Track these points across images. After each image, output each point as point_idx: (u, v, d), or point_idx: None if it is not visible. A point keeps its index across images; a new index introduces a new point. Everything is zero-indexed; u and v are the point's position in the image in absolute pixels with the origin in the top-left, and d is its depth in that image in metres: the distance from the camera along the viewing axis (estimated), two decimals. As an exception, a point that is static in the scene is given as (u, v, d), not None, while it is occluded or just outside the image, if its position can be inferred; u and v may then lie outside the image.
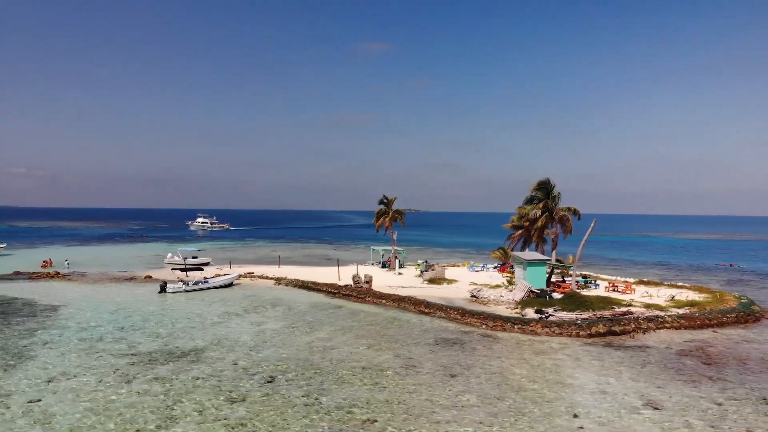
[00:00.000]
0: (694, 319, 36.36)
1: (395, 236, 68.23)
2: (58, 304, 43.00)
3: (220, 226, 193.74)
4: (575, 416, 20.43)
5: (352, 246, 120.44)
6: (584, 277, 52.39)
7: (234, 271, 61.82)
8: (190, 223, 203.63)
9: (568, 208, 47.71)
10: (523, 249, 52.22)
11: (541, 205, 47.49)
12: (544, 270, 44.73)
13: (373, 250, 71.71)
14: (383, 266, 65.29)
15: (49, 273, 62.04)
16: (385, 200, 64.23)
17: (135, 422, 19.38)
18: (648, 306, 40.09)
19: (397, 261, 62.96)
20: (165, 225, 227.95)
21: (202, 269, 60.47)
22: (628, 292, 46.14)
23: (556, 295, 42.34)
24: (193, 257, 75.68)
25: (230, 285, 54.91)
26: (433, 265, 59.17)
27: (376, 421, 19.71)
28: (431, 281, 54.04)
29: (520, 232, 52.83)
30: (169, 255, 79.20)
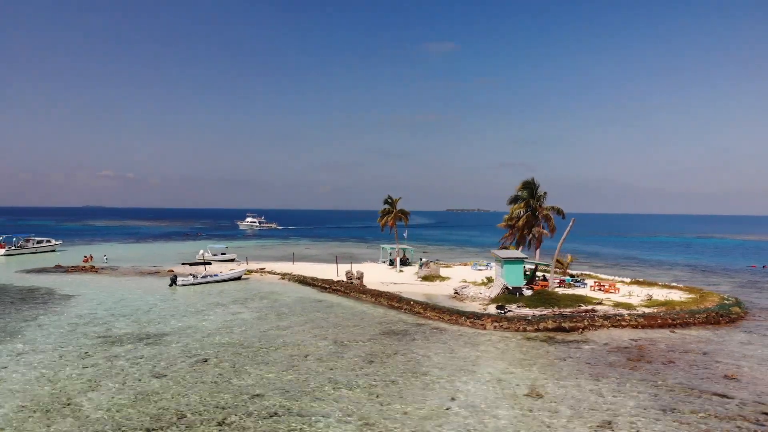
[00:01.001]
0: (655, 319, 36.25)
1: (405, 234, 70.06)
2: (74, 294, 47.93)
3: (268, 225, 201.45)
4: (452, 399, 21.91)
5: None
6: (572, 276, 52.32)
7: (250, 267, 65.68)
8: (239, 222, 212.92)
9: (552, 208, 48.09)
10: (517, 248, 52.76)
11: (524, 204, 48.06)
12: (521, 268, 45.37)
13: (383, 248, 73.78)
14: (391, 264, 67.22)
15: (84, 267, 68.23)
16: (389, 200, 66.19)
17: (67, 388, 22.65)
18: (618, 305, 40.12)
19: (398, 259, 64.77)
20: (228, 224, 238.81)
21: (211, 264, 64.61)
22: (612, 291, 46.00)
23: (528, 292, 42.94)
24: (222, 254, 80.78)
25: (238, 279, 58.63)
26: (428, 262, 60.56)
27: (263, 396, 22.01)
28: (425, 278, 55.58)
29: (512, 231, 53.41)
30: (201, 251, 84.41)
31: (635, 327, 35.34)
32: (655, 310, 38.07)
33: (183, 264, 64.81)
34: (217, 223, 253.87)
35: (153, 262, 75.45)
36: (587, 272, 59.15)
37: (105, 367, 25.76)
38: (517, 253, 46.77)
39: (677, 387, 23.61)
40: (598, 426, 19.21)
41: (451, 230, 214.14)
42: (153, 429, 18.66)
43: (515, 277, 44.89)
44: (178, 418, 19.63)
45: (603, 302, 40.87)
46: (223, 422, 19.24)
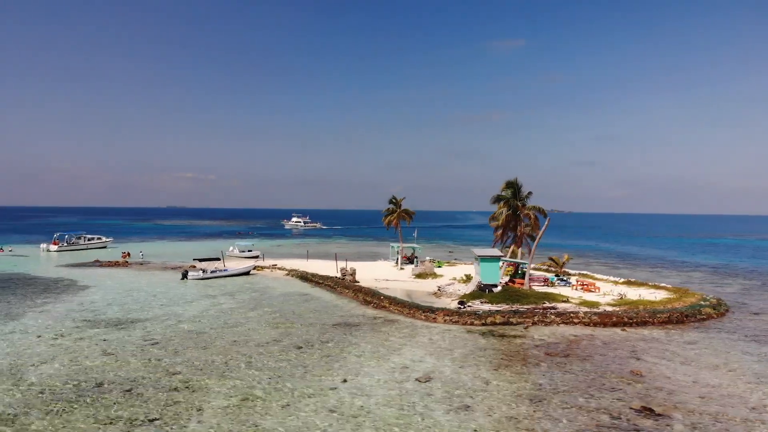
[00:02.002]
0: (609, 317, 36.50)
1: (415, 234, 71.80)
2: (91, 285, 53.07)
3: (313, 224, 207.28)
4: (344, 381, 23.95)
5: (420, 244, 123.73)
6: (558, 274, 52.48)
7: (262, 263, 69.55)
8: (285, 222, 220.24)
9: (534, 207, 48.64)
10: (494, 245, 53.60)
11: (504, 204, 48.89)
12: (496, 266, 46.24)
13: (392, 247, 75.63)
14: (397, 262, 69.12)
15: (118, 262, 74.39)
16: (393, 200, 68.14)
17: (25, 361, 26.35)
18: (583, 303, 40.47)
19: (399, 257, 66.62)
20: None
21: (220, 259, 68.82)
22: (592, 290, 46.07)
23: (497, 289, 43.86)
24: (249, 251, 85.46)
25: (247, 274, 62.43)
26: (424, 261, 62.08)
27: (179, 373, 24.88)
28: (418, 276, 57.22)
29: (502, 230, 54.20)
30: (231, 248, 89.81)
31: (587, 324, 35.76)
32: (616, 309, 38.15)
33: (194, 260, 69.38)
34: (278, 222, 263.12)
35: (184, 258, 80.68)
36: (584, 272, 58.75)
37: (66, 346, 29.44)
38: (494, 251, 47.63)
39: (570, 380, 24.49)
40: (457, 408, 20.70)
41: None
42: (70, 393, 21.77)
43: (491, 275, 45.82)
44: (96, 386, 22.75)
45: (569, 300, 41.26)
46: (128, 391, 22.15)
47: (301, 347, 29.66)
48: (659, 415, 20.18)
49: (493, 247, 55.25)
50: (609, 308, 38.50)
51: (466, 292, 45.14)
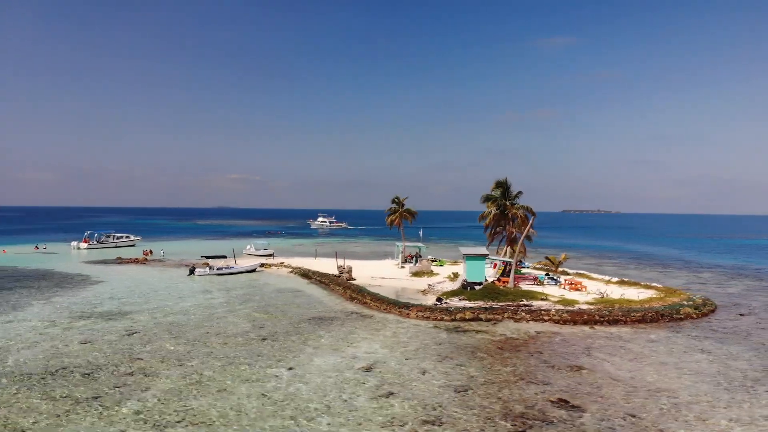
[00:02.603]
0: (581, 315, 36.81)
1: (421, 233, 72.77)
2: (103, 280, 56.27)
3: (338, 224, 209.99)
4: (289, 369, 25.44)
5: (440, 243, 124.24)
6: (547, 273, 52.66)
7: (275, 261, 71.89)
8: (311, 221, 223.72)
9: (523, 206, 49.08)
10: (519, 246, 54.12)
11: (493, 203, 49.49)
12: (482, 264, 46.93)
13: (396, 246, 76.68)
14: (403, 260, 70.23)
15: (138, 259, 78.05)
16: (396, 200, 69.35)
17: (11, 346, 28.84)
18: (561, 301, 40.80)
19: (400, 256, 67.77)
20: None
21: (226, 257, 71.31)
22: (579, 288, 46.20)
23: (479, 287, 44.55)
24: (264, 249, 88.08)
25: (252, 271, 64.74)
26: (421, 259, 63.01)
27: (141, 359, 26.86)
28: (415, 274, 58.25)
29: (497, 229, 54.73)
30: (248, 246, 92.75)
31: (557, 322, 36.19)
32: (591, 307, 38.40)
33: (201, 257, 72.16)
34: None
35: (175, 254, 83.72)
36: (582, 271, 58.56)
37: (53, 335, 31.92)
38: (480, 250, 48.28)
39: (506, 373, 25.31)
40: (381, 395, 21.88)
41: (544, 231, 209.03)
42: (36, 374, 23.96)
43: (476, 273, 46.54)
44: (61, 369, 24.91)
45: (547, 298, 41.61)
46: (87, 374, 24.21)
47: (266, 339, 31.27)
48: (573, 406, 20.85)
49: (488, 246, 55.86)
50: (585, 306, 38.71)
51: (451, 290, 45.91)
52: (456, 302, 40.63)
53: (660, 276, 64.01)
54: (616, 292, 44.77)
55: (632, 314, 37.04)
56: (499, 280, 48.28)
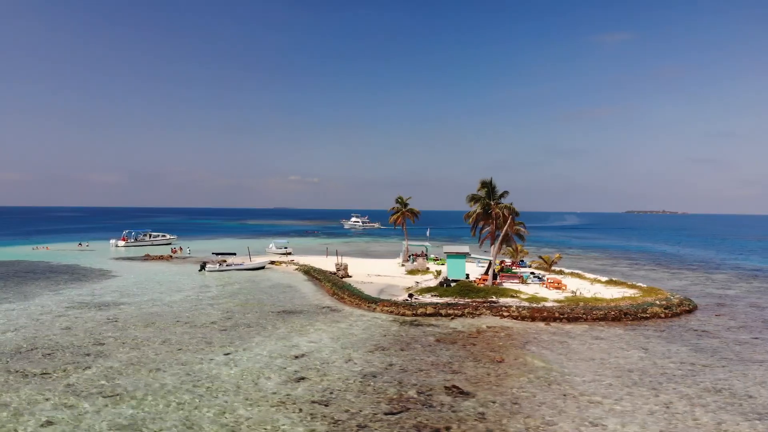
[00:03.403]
0: (541, 311, 37.56)
1: (428, 232, 74.30)
2: (117, 274, 60.72)
3: (371, 224, 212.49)
4: (226, 354, 27.79)
5: (454, 243, 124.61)
6: (532, 272, 53.09)
7: (285, 259, 74.97)
8: (344, 222, 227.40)
9: (505, 206, 49.83)
10: (498, 244, 54.99)
11: (479, 203, 50.46)
12: (462, 262, 48.06)
13: (403, 244, 78.08)
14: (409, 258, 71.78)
15: (162, 256, 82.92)
16: (399, 200, 71.00)
17: (7, 327, 32.49)
18: (531, 299, 41.52)
19: (401, 254, 69.34)
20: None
21: (236, 254, 74.54)
22: (559, 287, 46.63)
23: (454, 284, 45.71)
24: (285, 248, 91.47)
25: (262, 268, 67.93)
26: (417, 257, 64.37)
27: (104, 344, 29.86)
28: (410, 272, 59.79)
29: (488, 228, 55.59)
30: (270, 245, 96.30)
31: (515, 318, 37.10)
32: (556, 305, 39.01)
33: (213, 254, 75.90)
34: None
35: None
36: (577, 271, 58.48)
37: (42, 320, 35.52)
38: (462, 249, 49.36)
39: (423, 362, 26.73)
40: (293, 379, 23.83)
41: (581, 232, 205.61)
42: (9, 352, 27.27)
43: (456, 270, 47.72)
44: (29, 350, 28.13)
45: (517, 295, 42.37)
46: (49, 354, 27.32)
47: (226, 329, 33.76)
48: (462, 393, 22.15)
49: (480, 245, 56.73)
50: (551, 304, 39.32)
51: (427, 286, 47.24)
52: (427, 298, 41.98)
53: (667, 276, 63.17)
54: (598, 291, 44.89)
55: (594, 312, 37.41)
56: (479, 278, 49.13)
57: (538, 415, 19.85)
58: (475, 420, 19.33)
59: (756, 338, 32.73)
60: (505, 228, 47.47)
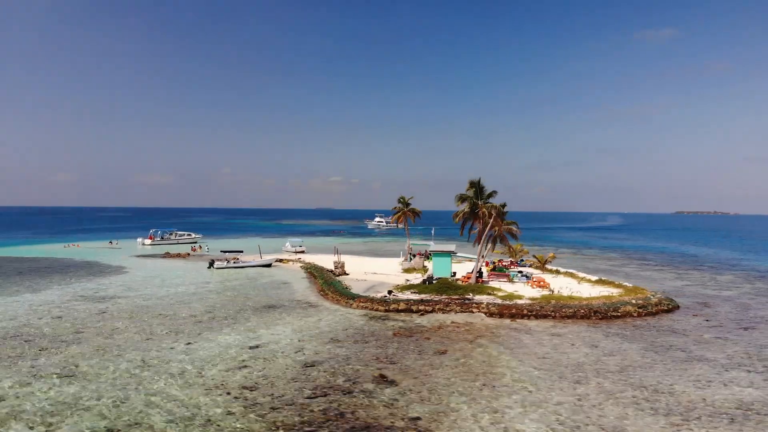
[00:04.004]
0: (510, 308, 38.28)
1: (433, 231, 75.09)
2: (130, 270, 64.08)
3: (395, 225, 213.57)
4: (187, 344, 29.78)
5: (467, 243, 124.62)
6: (520, 271, 53.48)
7: (293, 257, 77.28)
8: (367, 221, 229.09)
9: (491, 205, 50.52)
10: (483, 244, 55.81)
11: (467, 202, 51.33)
12: (447, 260, 49.02)
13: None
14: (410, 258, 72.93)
15: (180, 253, 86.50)
16: (401, 200, 72.21)
17: (5, 316, 35.44)
18: (508, 296, 42.20)
19: (402, 253, 70.49)
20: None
21: (242, 251, 77.15)
22: (543, 285, 47.06)
23: (435, 281, 46.70)
24: (299, 246, 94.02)
25: (269, 266, 70.33)
26: (416, 256, 65.41)
27: (83, 333, 32.32)
28: (406, 270, 60.98)
29: (480, 228, 56.34)
30: (287, 243, 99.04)
31: (484, 314, 37.95)
32: (528, 302, 39.63)
33: (221, 251, 78.68)
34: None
35: (246, 252, 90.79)
36: (572, 270, 58.41)
37: (38, 311, 38.36)
38: (447, 247, 50.30)
39: (368, 353, 28.04)
40: (234, 368, 25.50)
41: (613, 233, 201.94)
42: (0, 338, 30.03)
43: (442, 268, 48.71)
44: (14, 336, 30.74)
45: (494, 292, 43.10)
46: (29, 341, 29.85)
47: (202, 321, 35.83)
48: (388, 381, 23.40)
49: (475, 244, 57.45)
50: (523, 302, 39.93)
51: (410, 283, 48.36)
52: (406, 295, 43.13)
53: (670, 277, 62.64)
54: (580, 290, 45.19)
55: (563, 310, 37.88)
56: (464, 276, 49.93)
57: (446, 402, 20.90)
58: (384, 405, 20.54)
59: (719, 338, 32.61)
60: (489, 226, 48.08)
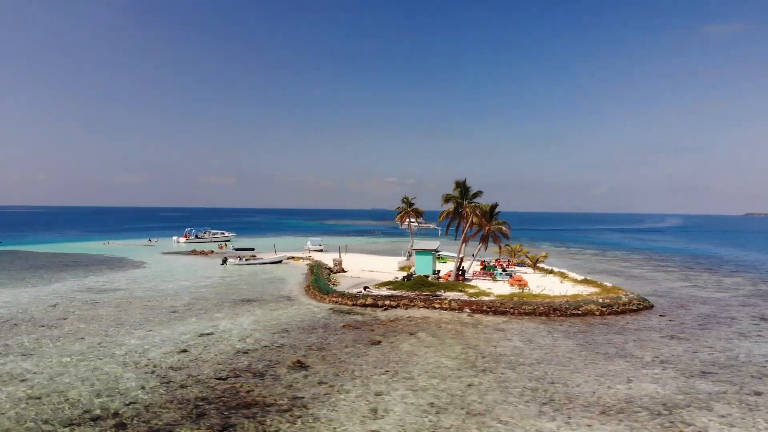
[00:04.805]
0: (470, 304, 39.49)
1: (440, 232, 76.25)
2: (148, 265, 68.65)
3: (426, 225, 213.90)
4: (149, 331, 32.75)
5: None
6: (503, 269, 54.19)
7: (304, 255, 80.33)
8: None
9: (475, 205, 51.68)
10: (482, 242, 56.98)
11: (449, 202, 52.69)
12: (429, 258, 50.42)
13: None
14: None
15: (203, 251, 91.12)
16: (405, 200, 73.89)
17: (6, 304, 39.75)
18: (475, 293, 43.37)
19: (404, 252, 72.02)
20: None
21: (254, 249, 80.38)
22: (522, 284, 47.80)
23: (408, 280, 48.19)
24: (319, 245, 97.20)
25: (279, 263, 73.56)
26: (411, 256, 66.80)
27: (65, 319, 35.89)
28: (402, 269, 62.64)
29: (464, 227, 57.45)
30: (308, 243, 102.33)
31: (445, 309, 39.39)
32: (491, 299, 40.70)
33: (235, 249, 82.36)
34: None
35: (265, 250, 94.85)
36: (564, 270, 58.49)
37: (42, 300, 42.42)
38: (430, 246, 51.68)
39: (307, 343, 30.08)
40: (173, 351, 28.12)
41: (660, 235, 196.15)
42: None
43: (424, 266, 50.21)
44: (7, 321, 34.62)
45: (464, 289, 44.28)
46: (16, 325, 33.59)
47: (177, 311, 38.86)
48: (303, 367, 25.37)
49: (463, 243, 58.55)
50: (487, 298, 41.00)
51: (391, 281, 50.02)
52: (380, 291, 44.90)
53: (665, 277, 61.46)
54: (552, 288, 45.73)
55: (523, 307, 38.76)
56: (446, 274, 51.16)
57: (339, 385, 22.66)
58: (283, 386, 22.53)
59: (664, 337, 32.75)
60: (471, 225, 49.16)
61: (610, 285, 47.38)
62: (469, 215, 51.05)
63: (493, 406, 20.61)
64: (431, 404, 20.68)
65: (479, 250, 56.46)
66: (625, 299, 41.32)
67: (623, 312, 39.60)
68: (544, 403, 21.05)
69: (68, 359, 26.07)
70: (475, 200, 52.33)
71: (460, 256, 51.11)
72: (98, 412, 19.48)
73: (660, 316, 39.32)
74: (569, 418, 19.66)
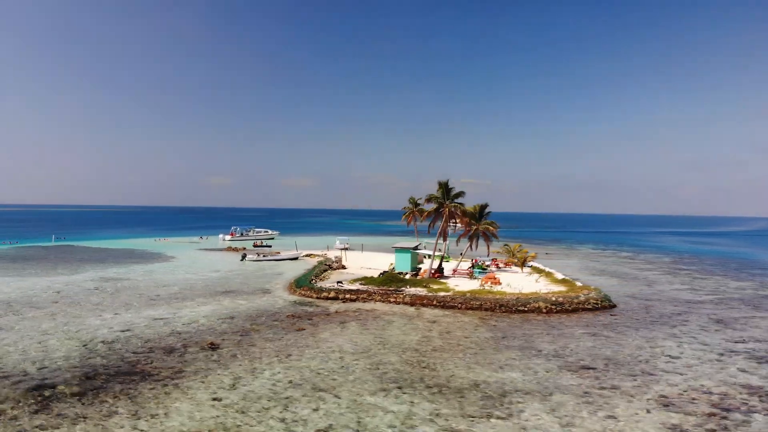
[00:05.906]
0: (421, 299, 41.58)
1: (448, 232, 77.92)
2: (175, 260, 74.77)
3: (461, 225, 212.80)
4: (116, 314, 37.42)
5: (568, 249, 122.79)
6: (483, 268, 55.30)
7: (319, 252, 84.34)
8: None
9: (455, 204, 53.42)
10: (471, 241, 58.71)
11: (431, 202, 54.69)
12: (407, 256, 52.67)
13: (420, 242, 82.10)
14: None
15: (237, 248, 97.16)
16: (411, 200, 75.98)
17: (10, 286, 46.05)
18: (437, 289, 45.27)
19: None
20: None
21: (270, 246, 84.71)
22: (495, 282, 49.10)
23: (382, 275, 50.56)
24: (346, 243, 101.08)
25: (296, 259, 77.89)
26: (419, 255, 68.79)
27: (57, 303, 41.38)
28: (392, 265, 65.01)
29: (442, 225, 59.07)
30: (337, 241, 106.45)
31: (398, 303, 41.74)
32: (447, 295, 42.55)
33: (254, 245, 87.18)
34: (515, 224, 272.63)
35: (302, 248, 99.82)
36: (552, 270, 58.69)
37: (50, 287, 48.21)
38: (409, 244, 53.85)
39: (237, 327, 33.53)
40: (125, 330, 32.45)
41: (718, 238, 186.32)
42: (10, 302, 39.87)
43: (402, 263, 52.55)
44: (10, 303, 40.47)
45: (428, 285, 46.21)
46: (11, 306, 39.29)
47: (155, 300, 43.44)
48: (212, 347, 28.76)
49: (457, 243, 60.22)
50: (443, 294, 42.83)
51: (367, 276, 52.56)
52: (350, 286, 47.65)
53: (668, 280, 60.12)
54: (523, 286, 46.77)
55: (471, 302, 40.39)
56: (423, 271, 53.08)
57: (227, 365, 25.75)
58: (178, 363, 25.89)
59: (587, 334, 33.41)
60: (444, 224, 50.90)
61: (580, 285, 47.58)
62: (445, 215, 52.65)
63: (343, 384, 22.92)
64: (290, 381, 23.29)
65: (467, 249, 57.83)
66: (582, 298, 41.76)
67: (575, 310, 40.17)
68: (392, 383, 23.12)
69: (33, 333, 30.73)
70: (456, 200, 53.81)
71: (437, 253, 52.75)
72: (12, 371, 23.62)
73: (611, 315, 39.55)
74: (404, 394, 21.70)
